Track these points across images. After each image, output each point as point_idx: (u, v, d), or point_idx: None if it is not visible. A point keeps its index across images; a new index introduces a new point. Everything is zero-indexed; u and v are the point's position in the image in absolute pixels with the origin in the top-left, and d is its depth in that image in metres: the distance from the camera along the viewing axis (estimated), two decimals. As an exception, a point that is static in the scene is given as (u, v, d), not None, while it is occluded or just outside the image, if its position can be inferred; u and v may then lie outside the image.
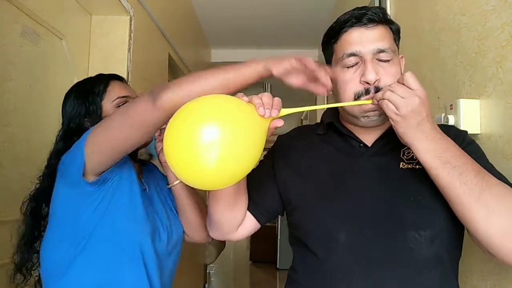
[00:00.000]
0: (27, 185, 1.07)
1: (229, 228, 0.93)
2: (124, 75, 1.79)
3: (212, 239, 1.08)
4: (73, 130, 1.04)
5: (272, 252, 5.90)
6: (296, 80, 0.82)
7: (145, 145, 1.13)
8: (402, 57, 0.89)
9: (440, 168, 0.73)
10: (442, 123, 1.09)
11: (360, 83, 0.82)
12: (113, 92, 1.08)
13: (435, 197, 0.78)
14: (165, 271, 1.07)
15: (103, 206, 0.96)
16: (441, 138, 0.74)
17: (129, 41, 1.85)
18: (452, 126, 0.97)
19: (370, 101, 0.80)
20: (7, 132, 1.32)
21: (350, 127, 0.91)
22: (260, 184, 0.94)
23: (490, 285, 0.98)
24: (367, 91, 0.81)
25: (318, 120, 1.05)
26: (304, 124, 2.92)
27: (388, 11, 1.72)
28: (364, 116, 0.84)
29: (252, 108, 0.73)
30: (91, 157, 0.90)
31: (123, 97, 1.08)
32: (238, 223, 0.92)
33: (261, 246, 6.12)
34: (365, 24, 0.82)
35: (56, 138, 1.07)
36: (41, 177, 1.06)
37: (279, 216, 0.99)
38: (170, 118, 0.74)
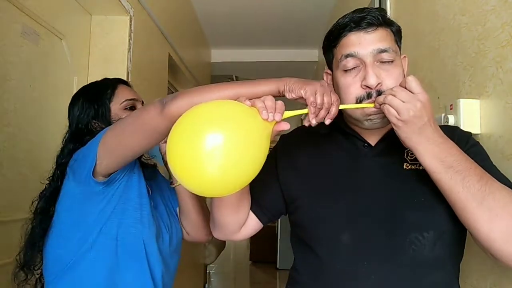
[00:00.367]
0: (27, 185, 1.07)
1: (233, 229, 0.93)
2: (124, 75, 1.80)
3: (212, 237, 1.09)
4: (82, 131, 1.08)
5: (272, 252, 5.89)
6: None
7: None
8: (404, 56, 0.88)
9: (442, 173, 0.72)
10: (442, 123, 1.09)
11: (361, 87, 0.81)
12: (121, 95, 1.12)
13: (438, 199, 0.78)
14: (167, 271, 1.08)
15: (111, 206, 0.98)
16: (444, 142, 0.73)
17: (129, 41, 1.85)
18: (457, 128, 0.96)
19: (372, 105, 0.79)
20: (7, 132, 1.31)
21: (354, 127, 0.90)
22: (263, 184, 0.93)
23: (490, 284, 0.98)
24: (369, 95, 0.80)
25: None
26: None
27: (388, 11, 1.72)
28: (367, 119, 0.83)
29: (255, 112, 0.72)
30: (103, 158, 0.92)
31: (131, 99, 1.12)
32: (241, 224, 0.93)
33: (261, 246, 6.11)
34: (364, 28, 0.81)
35: (63, 140, 1.09)
36: (50, 177, 1.07)
37: (282, 215, 0.99)
38: None
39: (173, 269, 1.14)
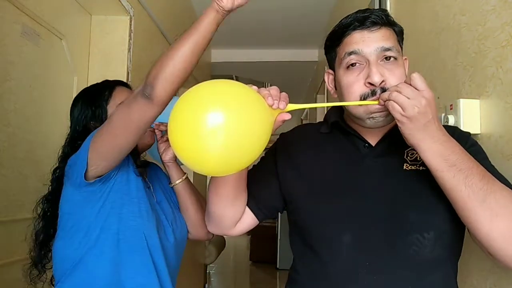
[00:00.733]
0: (27, 185, 1.07)
1: (228, 224, 0.93)
2: (124, 75, 1.80)
3: (213, 235, 1.10)
4: (79, 134, 1.09)
5: (272, 252, 5.90)
6: None
7: (147, 147, 1.17)
8: (406, 59, 0.88)
9: (445, 171, 0.72)
10: (442, 123, 1.09)
11: (365, 85, 0.81)
12: (118, 97, 1.12)
13: (438, 199, 0.78)
14: (170, 264, 1.11)
15: (109, 202, 1.01)
16: (447, 141, 0.73)
17: (129, 41, 1.86)
18: (456, 128, 0.96)
19: (376, 102, 0.78)
20: (7, 132, 1.32)
21: (355, 127, 0.90)
22: (261, 181, 0.93)
23: (490, 284, 0.98)
24: (373, 93, 0.80)
25: (318, 120, 1.05)
26: (304, 123, 2.91)
27: (388, 12, 1.72)
28: (369, 118, 0.82)
29: (260, 97, 0.73)
30: (95, 161, 0.95)
31: None
32: (237, 219, 0.92)
33: (261, 246, 6.12)
34: (368, 27, 0.82)
35: (65, 142, 1.12)
36: (51, 181, 1.11)
37: (279, 214, 0.99)
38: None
39: (176, 266, 1.16)
